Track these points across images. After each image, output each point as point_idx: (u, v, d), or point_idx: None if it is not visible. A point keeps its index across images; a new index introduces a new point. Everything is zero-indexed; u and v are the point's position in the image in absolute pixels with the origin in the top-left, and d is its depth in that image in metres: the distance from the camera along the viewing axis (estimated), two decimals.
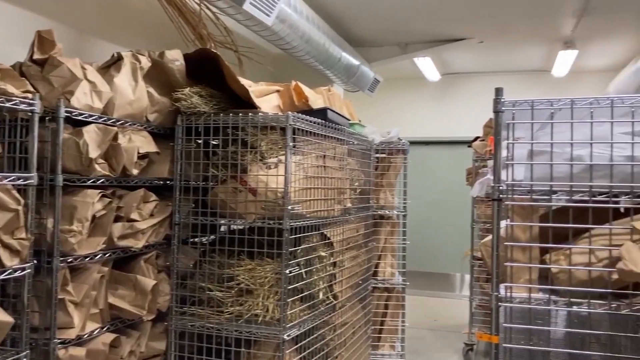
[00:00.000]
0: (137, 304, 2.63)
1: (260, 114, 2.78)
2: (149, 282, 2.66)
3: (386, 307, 4.36)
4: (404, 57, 6.34)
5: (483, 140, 5.33)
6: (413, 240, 4.63)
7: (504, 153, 1.93)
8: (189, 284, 2.90)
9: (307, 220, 2.90)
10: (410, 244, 4.45)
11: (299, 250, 2.87)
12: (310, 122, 2.89)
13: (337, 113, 3.30)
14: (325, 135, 3.09)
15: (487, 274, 5.13)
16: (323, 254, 3.07)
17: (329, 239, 3.16)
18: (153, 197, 2.76)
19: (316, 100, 3.25)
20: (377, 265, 4.32)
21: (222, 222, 2.92)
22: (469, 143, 5.61)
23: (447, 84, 8.18)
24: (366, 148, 3.94)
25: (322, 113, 3.12)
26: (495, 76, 7.85)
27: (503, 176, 1.93)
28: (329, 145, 3.17)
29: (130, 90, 2.65)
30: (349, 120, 3.66)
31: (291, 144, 2.70)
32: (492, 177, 2.12)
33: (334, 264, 3.23)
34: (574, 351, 1.99)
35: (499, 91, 1.97)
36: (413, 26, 5.77)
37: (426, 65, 7.06)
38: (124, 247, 2.60)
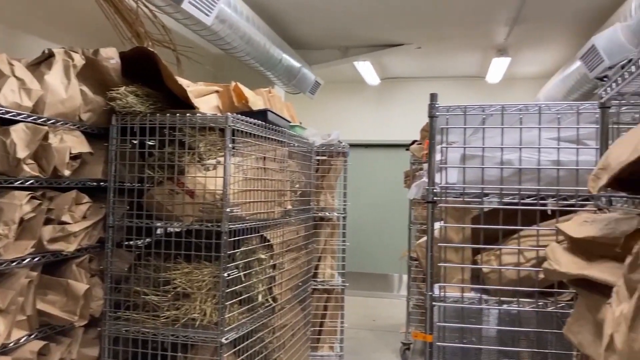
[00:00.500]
0: (69, 309, 2.53)
1: (198, 114, 2.74)
2: (81, 286, 2.57)
3: (325, 308, 4.39)
4: (344, 60, 6.41)
5: (420, 143, 5.45)
6: (352, 242, 4.70)
7: (438, 157, 1.98)
8: (123, 288, 2.82)
9: (247, 223, 2.88)
10: (350, 245, 4.51)
11: (237, 253, 2.84)
12: (250, 123, 2.88)
13: (277, 115, 3.30)
14: (265, 137, 3.08)
15: (424, 274, 5.24)
16: (262, 256, 3.06)
17: (268, 241, 3.15)
18: (86, 198, 2.67)
19: (256, 101, 3.24)
20: (317, 267, 4.34)
21: (159, 224, 2.85)
22: (407, 146, 5.72)
23: (387, 88, 8.34)
24: (307, 150, 3.95)
25: (262, 114, 3.10)
26: (432, 81, 8.06)
27: (437, 179, 1.98)
28: (269, 147, 3.17)
29: (63, 89, 2.55)
30: (290, 122, 3.67)
31: (230, 145, 2.68)
32: (427, 180, 2.18)
33: (274, 267, 3.22)
34: (504, 348, 2.06)
35: (433, 97, 2.02)
36: (353, 30, 5.84)
37: (366, 70, 7.17)
38: (55, 251, 2.50)
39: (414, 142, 5.68)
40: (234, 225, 2.73)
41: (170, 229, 3.11)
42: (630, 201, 1.23)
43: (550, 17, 5.25)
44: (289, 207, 3.52)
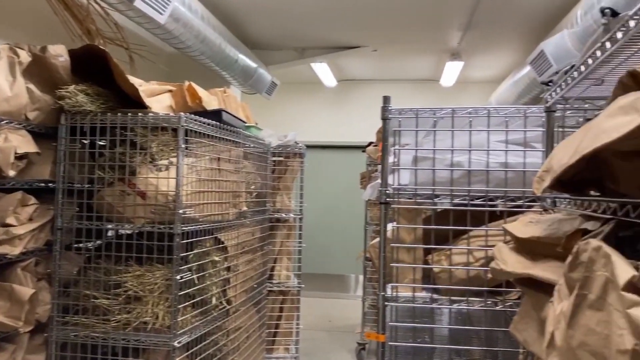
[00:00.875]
0: (12, 315, 2.44)
1: (150, 114, 2.69)
2: (26, 291, 2.49)
3: (281, 309, 4.38)
4: (301, 61, 6.42)
5: (376, 145, 5.50)
6: (309, 243, 4.69)
7: (390, 159, 2.01)
8: (72, 292, 2.74)
9: (200, 225, 2.85)
10: (307, 246, 4.50)
11: (191, 256, 2.81)
12: (204, 123, 2.84)
13: (232, 115, 3.27)
14: (219, 137, 3.05)
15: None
16: (217, 258, 3.03)
17: (223, 243, 3.12)
18: (32, 200, 2.59)
19: (211, 101, 3.20)
20: (272, 269, 4.33)
21: (109, 226, 2.79)
22: (363, 148, 5.75)
23: (344, 90, 8.39)
24: (263, 151, 3.93)
25: (216, 115, 3.07)
26: (388, 84, 8.15)
27: (390, 180, 2.00)
28: (223, 147, 3.14)
29: (7, 86, 2.46)
30: (245, 122, 3.65)
31: (183, 145, 2.64)
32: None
33: (228, 269, 3.19)
34: (455, 347, 2.10)
35: (386, 99, 2.04)
36: (310, 32, 5.85)
37: (323, 71, 7.19)
38: None
39: (370, 143, 5.72)
40: (187, 227, 2.69)
41: (121, 231, 3.04)
42: (572, 202, 1.27)
43: (501, 22, 5.39)
44: (244, 208, 3.49)
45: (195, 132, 2.76)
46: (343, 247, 8.22)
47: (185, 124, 2.65)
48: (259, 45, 6.26)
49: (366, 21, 5.47)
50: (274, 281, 4.30)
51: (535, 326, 1.28)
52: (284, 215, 4.36)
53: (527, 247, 1.31)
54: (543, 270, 1.19)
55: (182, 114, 2.66)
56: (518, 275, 1.25)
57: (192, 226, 2.74)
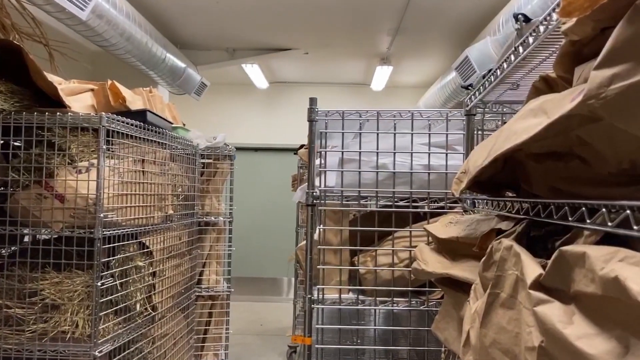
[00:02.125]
0: None
1: (69, 113, 2.58)
2: None
3: (210, 315, 4.30)
4: (231, 62, 6.35)
5: (307, 148, 5.51)
6: (240, 246, 4.64)
7: (317, 161, 2.00)
8: None
9: (123, 229, 2.75)
10: (237, 250, 4.45)
11: (113, 261, 2.70)
12: (127, 124, 2.75)
13: (158, 116, 3.18)
14: (144, 138, 2.96)
15: None
16: (140, 263, 2.93)
17: (147, 247, 3.02)
18: None
19: (135, 101, 3.10)
20: (201, 273, 4.24)
21: (25, 231, 2.64)
22: (295, 150, 5.75)
23: (275, 92, 8.37)
24: (190, 153, 3.85)
25: (141, 115, 2.98)
26: (319, 87, 8.20)
27: (317, 182, 2.00)
28: (148, 149, 3.04)
29: None
30: (172, 123, 3.56)
31: (104, 146, 2.54)
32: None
33: (154, 274, 3.10)
34: (382, 347, 2.12)
35: (312, 101, 2.04)
36: (241, 33, 5.79)
37: (254, 73, 7.15)
38: None
39: (302, 146, 5.71)
40: (109, 231, 2.59)
41: (38, 236, 2.89)
42: (490, 203, 1.31)
43: (429, 28, 5.53)
44: (171, 211, 3.40)
45: (118, 132, 2.66)
46: (274, 250, 8.19)
47: (106, 124, 2.55)
48: (189, 45, 6.14)
49: (298, 23, 5.47)
50: (202, 286, 4.21)
51: (455, 325, 1.30)
52: (213, 218, 4.29)
53: (447, 248, 1.34)
54: (461, 270, 1.21)
55: (103, 113, 2.56)
56: (438, 275, 1.27)
57: (114, 230, 2.64)
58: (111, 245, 2.63)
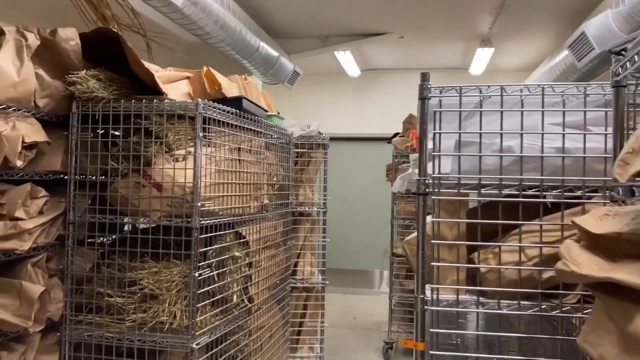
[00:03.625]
0: (22, 314, 2.30)
1: (166, 101, 2.52)
2: (36, 288, 2.34)
3: (305, 307, 4.19)
4: (324, 50, 6.20)
5: (403, 136, 5.29)
6: (332, 238, 4.50)
7: (429, 144, 1.79)
8: (85, 289, 2.59)
9: (220, 218, 2.67)
10: (330, 241, 4.31)
11: (210, 251, 2.63)
12: (223, 111, 2.66)
13: (253, 103, 3.09)
14: (240, 126, 2.87)
15: (407, 271, 5.08)
16: (237, 254, 2.85)
17: (244, 237, 2.94)
18: (42, 192, 2.44)
19: (231, 88, 3.02)
20: (296, 264, 4.14)
21: (124, 220, 2.63)
22: (388, 139, 5.57)
23: (368, 80, 8.14)
24: (285, 142, 3.74)
25: (236, 102, 2.89)
26: (414, 73, 7.88)
27: (429, 169, 1.79)
28: (244, 137, 2.95)
29: (14, 71, 2.31)
30: (267, 111, 3.46)
31: (201, 134, 2.46)
32: (414, 172, 1.99)
33: (250, 265, 3.02)
34: (503, 357, 1.88)
35: (425, 76, 1.82)
36: (333, 19, 5.64)
37: (346, 60, 6.96)
38: (7, 250, 2.27)
39: (396, 134, 5.54)
40: (206, 221, 2.52)
41: (137, 225, 2.89)
42: None
43: (536, 5, 5.11)
44: (266, 201, 3.31)
45: (214, 120, 2.58)
46: (367, 242, 8.01)
47: (203, 112, 2.48)
48: (281, 34, 6.06)
49: (392, 7, 5.24)
50: (297, 277, 4.12)
51: (613, 340, 1.06)
52: (307, 208, 4.17)
53: (602, 245, 1.10)
54: (628, 274, 0.98)
55: (199, 100, 2.48)
56: (595, 279, 1.04)
57: (211, 220, 2.57)
58: (208, 235, 2.56)
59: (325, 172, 4.25)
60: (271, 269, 3.38)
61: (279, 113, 3.88)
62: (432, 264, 1.74)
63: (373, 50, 6.99)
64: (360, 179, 8.23)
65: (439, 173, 1.78)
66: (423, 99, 1.77)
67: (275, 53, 5.47)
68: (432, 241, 1.75)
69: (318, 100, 8.18)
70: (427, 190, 1.79)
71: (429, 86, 1.80)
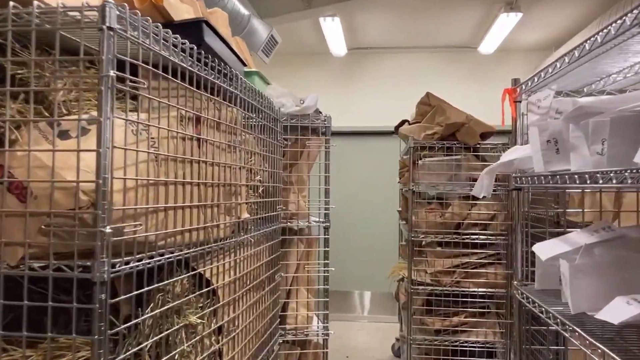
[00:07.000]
0: None
1: (37, 2, 1.14)
2: None
3: None
4: (307, 13, 4.80)
5: (417, 122, 3.99)
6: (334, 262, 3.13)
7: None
8: None
9: (157, 256, 1.29)
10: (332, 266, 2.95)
11: (139, 324, 1.25)
12: (166, 41, 1.29)
13: (222, 40, 1.73)
14: (199, 79, 1.49)
15: (426, 304, 3.75)
16: (194, 320, 1.48)
17: (207, 284, 1.58)
18: None
19: (180, 8, 1.65)
20: (284, 307, 2.78)
21: None
22: (392, 131, 4.38)
23: (356, 60, 6.67)
24: (272, 120, 2.36)
25: (193, 30, 1.54)
26: (411, 53, 6.56)
27: None
28: (206, 100, 1.57)
29: None
30: (245, 65, 2.09)
31: (112, 74, 1.09)
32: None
33: (219, 331, 1.66)
34: None
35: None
36: None
37: (333, 31, 5.52)
38: None
39: (402, 122, 4.27)
40: (123, 265, 1.14)
41: None
42: None
43: None
44: (245, 215, 1.93)
45: (147, 52, 1.21)
46: (375, 262, 6.54)
47: (118, 28, 1.11)
48: None
49: None
50: (287, 327, 2.75)
51: None
52: (300, 223, 2.82)
53: None
54: None
55: (110, 1, 1.11)
56: None
57: (138, 261, 1.19)
58: (131, 293, 1.19)
59: (326, 169, 2.91)
60: (253, 327, 2.02)
61: (260, 73, 2.52)
62: None
63: (365, 18, 5.59)
64: (356, 182, 6.64)
65: None
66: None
67: (245, 11, 4.07)
68: None
69: (293, 83, 6.51)
70: None
71: None
